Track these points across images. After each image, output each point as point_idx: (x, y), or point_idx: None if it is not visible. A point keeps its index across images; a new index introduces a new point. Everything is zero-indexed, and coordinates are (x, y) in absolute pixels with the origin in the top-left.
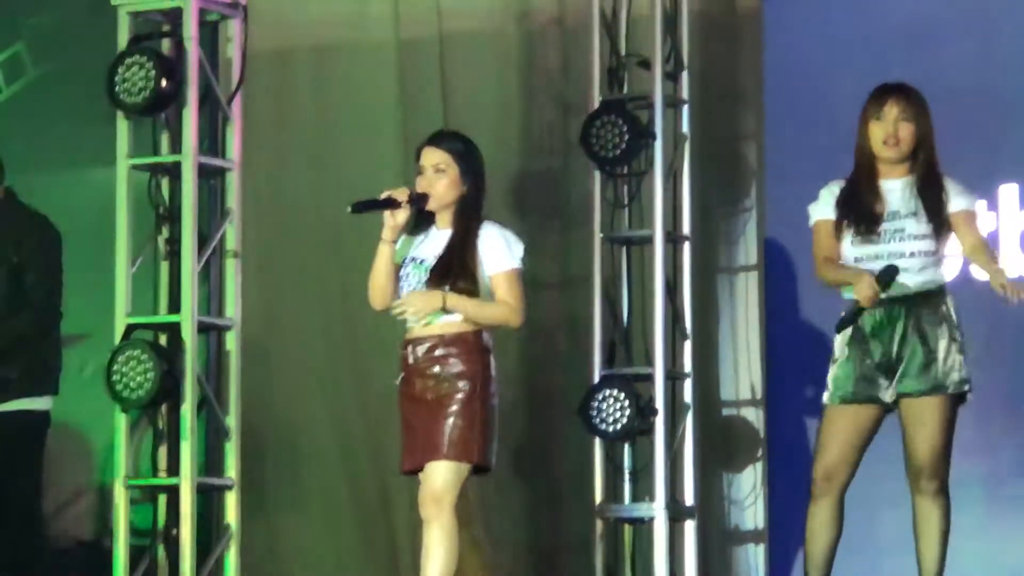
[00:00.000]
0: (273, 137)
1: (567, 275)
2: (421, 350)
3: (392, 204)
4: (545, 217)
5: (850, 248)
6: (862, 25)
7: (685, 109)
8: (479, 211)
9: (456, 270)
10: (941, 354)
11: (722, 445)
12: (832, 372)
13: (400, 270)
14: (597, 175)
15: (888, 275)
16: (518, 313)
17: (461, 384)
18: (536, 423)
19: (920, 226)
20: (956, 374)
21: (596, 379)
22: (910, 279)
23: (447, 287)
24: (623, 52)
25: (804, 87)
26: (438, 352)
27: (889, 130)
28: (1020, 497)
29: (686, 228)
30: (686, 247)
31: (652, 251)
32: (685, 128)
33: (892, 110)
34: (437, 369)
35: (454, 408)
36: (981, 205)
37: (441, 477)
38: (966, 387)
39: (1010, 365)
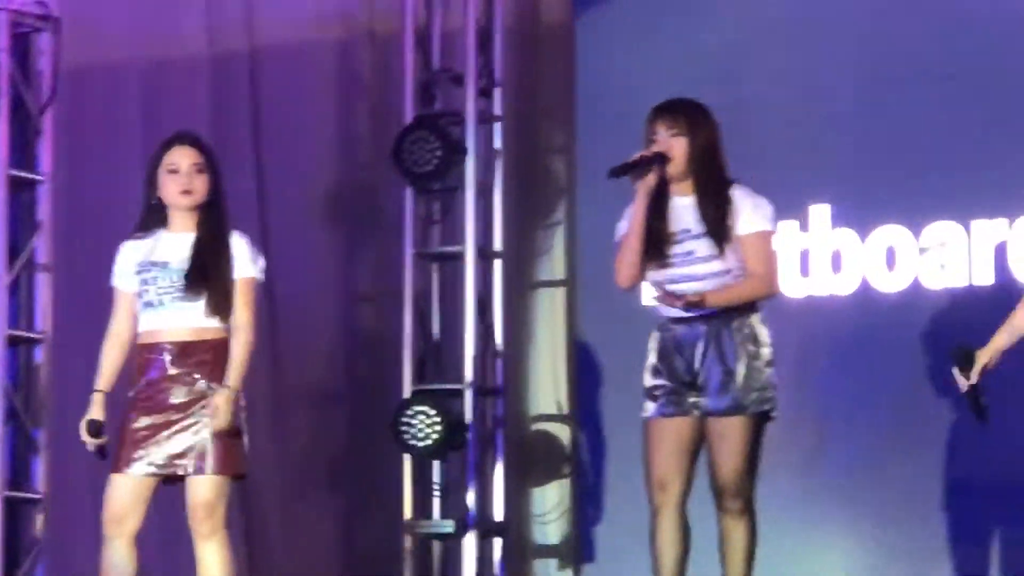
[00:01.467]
0: (101, 150)
1: (383, 289)
2: (173, 356)
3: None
4: (361, 231)
5: (647, 272)
6: (674, 43)
7: (497, 125)
8: (227, 216)
9: (212, 277)
10: (741, 373)
11: (530, 461)
12: (645, 384)
13: (139, 275)
14: (409, 191)
15: (658, 158)
16: (251, 330)
17: (216, 391)
18: (350, 437)
19: (709, 246)
20: (757, 394)
21: (407, 395)
22: None
23: (204, 293)
24: (436, 67)
25: (615, 103)
26: (194, 358)
27: (662, 148)
28: (830, 514)
29: (498, 244)
30: (497, 263)
31: (464, 267)
32: (498, 144)
33: (661, 129)
34: (197, 375)
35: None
36: (792, 226)
37: (212, 491)
38: (767, 407)
39: (821, 385)
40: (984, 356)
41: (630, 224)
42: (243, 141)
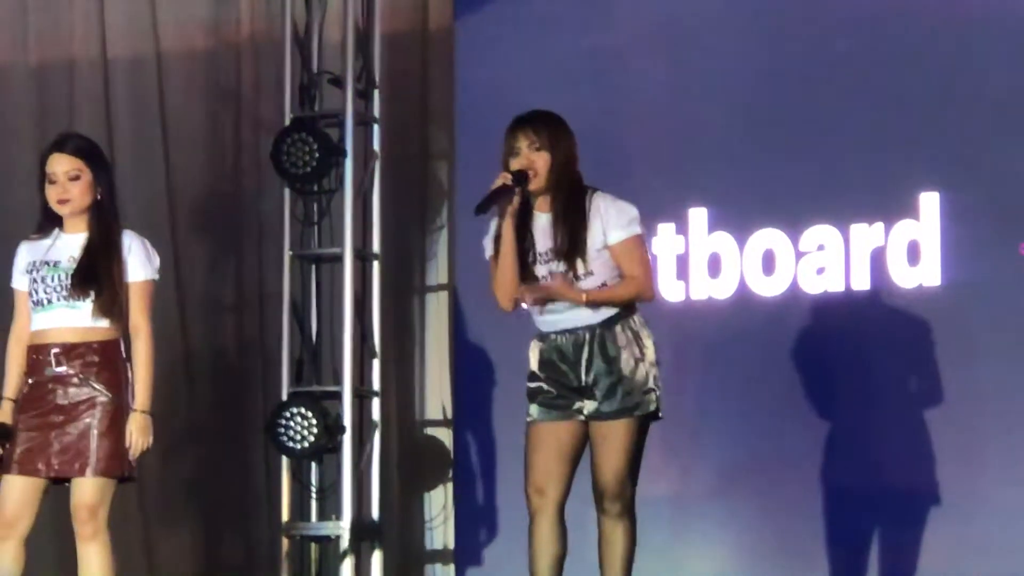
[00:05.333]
0: None
1: (261, 293)
2: (66, 357)
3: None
4: (238, 236)
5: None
6: (554, 46)
7: (376, 127)
8: (117, 215)
9: (101, 276)
10: (627, 374)
11: (416, 465)
12: (529, 390)
13: (30, 274)
14: (287, 193)
15: (520, 178)
16: (149, 338)
17: (106, 394)
18: (227, 439)
19: (578, 265)
20: (643, 395)
21: (284, 397)
22: (588, 312)
23: (92, 293)
24: (315, 69)
25: (496, 106)
26: (86, 359)
27: (524, 164)
28: (706, 515)
29: (376, 246)
30: (375, 265)
31: (342, 269)
32: (376, 146)
33: (522, 144)
34: (83, 376)
35: (101, 420)
36: (669, 229)
37: (96, 493)
38: (653, 407)
39: (698, 388)
40: None
41: (501, 248)
42: (142, 149)
